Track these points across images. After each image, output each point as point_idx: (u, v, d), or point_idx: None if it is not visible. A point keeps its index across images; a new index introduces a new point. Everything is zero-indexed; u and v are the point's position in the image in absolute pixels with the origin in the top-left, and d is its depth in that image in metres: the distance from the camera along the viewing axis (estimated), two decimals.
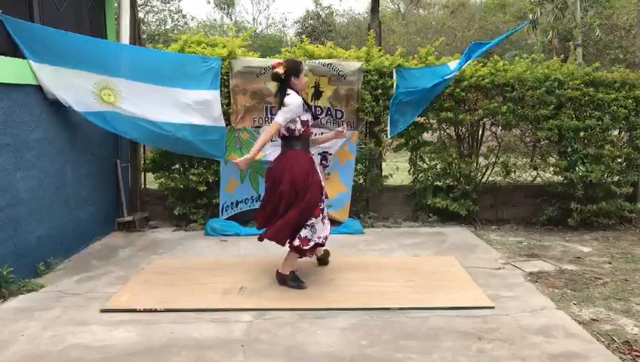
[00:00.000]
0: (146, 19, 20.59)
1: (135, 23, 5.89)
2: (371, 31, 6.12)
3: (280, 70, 3.83)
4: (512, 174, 6.17)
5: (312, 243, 3.86)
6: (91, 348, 3.03)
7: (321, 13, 25.02)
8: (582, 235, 5.68)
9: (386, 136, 5.97)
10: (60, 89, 4.60)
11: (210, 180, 5.73)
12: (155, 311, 3.53)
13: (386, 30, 18.05)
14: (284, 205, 3.80)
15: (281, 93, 3.87)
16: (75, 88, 4.74)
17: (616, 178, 5.94)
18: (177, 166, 5.92)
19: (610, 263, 4.65)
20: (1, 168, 3.95)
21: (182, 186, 5.71)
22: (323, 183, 4.01)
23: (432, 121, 6.05)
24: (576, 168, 5.83)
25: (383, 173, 6.30)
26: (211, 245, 5.28)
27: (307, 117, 3.89)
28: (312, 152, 4.09)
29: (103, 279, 4.23)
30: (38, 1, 4.69)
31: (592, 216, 5.80)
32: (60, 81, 4.61)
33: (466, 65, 5.47)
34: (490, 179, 6.26)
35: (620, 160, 5.95)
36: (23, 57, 4.33)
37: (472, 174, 6.03)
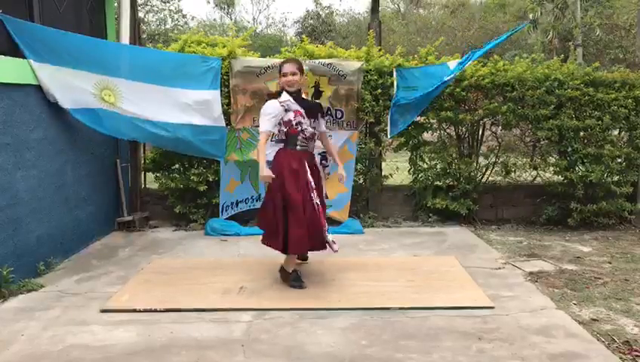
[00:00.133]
0: (145, 19, 20.62)
1: (135, 22, 5.88)
2: (371, 31, 6.12)
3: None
4: (512, 174, 6.17)
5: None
6: (91, 347, 3.03)
7: (321, 13, 25.07)
8: (582, 235, 5.69)
9: (386, 136, 5.97)
10: (60, 89, 4.60)
11: (210, 180, 5.73)
12: (155, 311, 3.53)
13: (386, 30, 18.06)
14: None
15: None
16: (75, 88, 4.74)
17: (616, 178, 5.94)
18: (177, 166, 5.92)
19: (610, 263, 4.65)
20: (1, 168, 3.95)
21: (182, 186, 5.71)
22: (323, 183, 4.01)
23: (432, 120, 6.04)
24: (576, 168, 5.83)
25: (383, 173, 6.30)
26: (211, 245, 5.28)
27: (290, 116, 3.90)
28: (313, 152, 4.09)
29: (103, 279, 4.23)
30: (38, 1, 4.69)
31: (592, 215, 5.80)
32: (60, 81, 4.60)
33: (466, 65, 5.47)
34: (490, 178, 6.27)
35: (619, 160, 5.95)
36: (23, 57, 4.33)
37: (472, 174, 6.03)
